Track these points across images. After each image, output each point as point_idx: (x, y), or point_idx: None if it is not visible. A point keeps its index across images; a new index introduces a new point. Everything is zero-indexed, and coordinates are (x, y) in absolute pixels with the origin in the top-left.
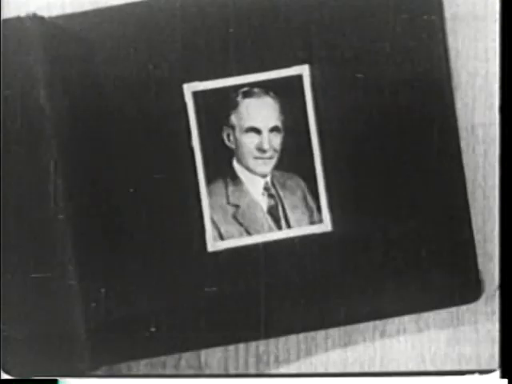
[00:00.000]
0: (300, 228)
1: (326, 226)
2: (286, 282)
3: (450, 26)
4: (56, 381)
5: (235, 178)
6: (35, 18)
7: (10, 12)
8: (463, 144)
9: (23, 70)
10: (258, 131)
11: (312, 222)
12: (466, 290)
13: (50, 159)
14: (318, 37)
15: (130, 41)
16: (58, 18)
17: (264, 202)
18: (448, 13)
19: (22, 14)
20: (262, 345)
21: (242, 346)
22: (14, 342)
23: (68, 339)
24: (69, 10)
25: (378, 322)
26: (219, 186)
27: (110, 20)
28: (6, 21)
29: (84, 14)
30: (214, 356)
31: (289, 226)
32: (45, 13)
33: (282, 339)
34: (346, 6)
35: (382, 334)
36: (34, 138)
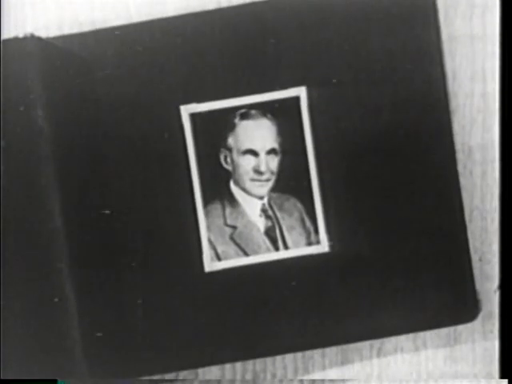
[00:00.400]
0: (297, 249)
1: (323, 247)
2: (284, 302)
3: (446, 46)
4: (56, 381)
5: (232, 200)
6: (33, 39)
7: (9, 32)
8: (460, 165)
9: (21, 90)
10: (255, 153)
11: (309, 243)
12: (464, 310)
13: (48, 179)
14: (315, 58)
15: (127, 62)
16: (55, 38)
17: (261, 224)
18: (445, 33)
19: (20, 34)
20: (259, 363)
21: (239, 363)
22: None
23: (65, 358)
24: (66, 30)
25: (375, 341)
26: (216, 207)
27: (108, 41)
28: (5, 41)
29: (82, 35)
30: (210, 373)
31: (286, 247)
32: (42, 33)
33: (278, 357)
34: (343, 28)
35: (379, 353)
36: (33, 158)
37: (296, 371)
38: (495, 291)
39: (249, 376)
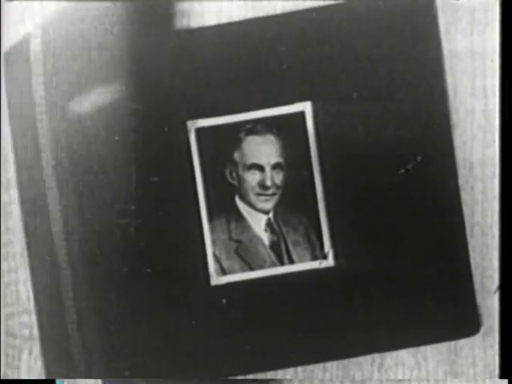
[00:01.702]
0: (302, 264)
1: (328, 261)
2: (288, 316)
3: (447, 63)
4: (54, 381)
5: (238, 215)
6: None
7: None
8: (461, 181)
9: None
10: (260, 168)
11: (314, 258)
12: (465, 325)
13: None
14: (320, 74)
15: (134, 77)
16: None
17: (266, 238)
18: (446, 50)
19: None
20: (260, 377)
21: (239, 376)
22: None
23: (64, 358)
24: None
25: (376, 355)
26: (222, 221)
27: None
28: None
29: None
30: None
31: (291, 261)
32: None
33: (280, 371)
34: (347, 43)
35: (380, 367)
36: (35, 164)
37: None
38: (495, 292)
39: None
